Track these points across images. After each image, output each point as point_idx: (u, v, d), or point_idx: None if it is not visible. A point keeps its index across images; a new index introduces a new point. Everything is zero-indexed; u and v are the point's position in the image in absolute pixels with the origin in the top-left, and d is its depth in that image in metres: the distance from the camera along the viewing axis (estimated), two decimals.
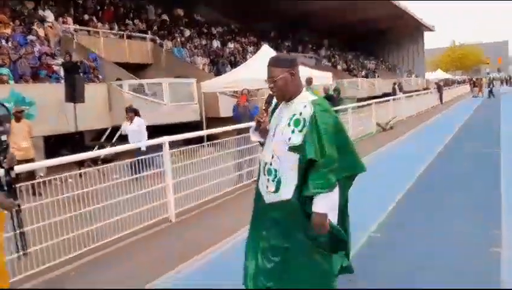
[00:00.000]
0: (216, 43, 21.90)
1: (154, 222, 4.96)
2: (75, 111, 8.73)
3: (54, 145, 9.28)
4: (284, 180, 2.40)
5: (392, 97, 17.55)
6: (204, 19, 25.34)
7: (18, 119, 7.47)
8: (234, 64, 18.39)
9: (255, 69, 11.85)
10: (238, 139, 6.96)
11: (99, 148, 8.81)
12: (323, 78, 12.34)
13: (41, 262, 3.86)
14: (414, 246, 4.05)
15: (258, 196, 2.61)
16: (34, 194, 4.57)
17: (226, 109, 11.72)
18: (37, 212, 3.98)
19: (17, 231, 3.18)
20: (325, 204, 2.33)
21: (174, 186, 5.24)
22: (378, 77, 33.77)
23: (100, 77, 11.69)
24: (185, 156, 5.72)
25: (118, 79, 11.23)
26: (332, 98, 10.71)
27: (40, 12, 12.90)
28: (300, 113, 2.37)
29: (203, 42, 20.98)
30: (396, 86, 22.53)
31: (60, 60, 10.93)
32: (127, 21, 18.46)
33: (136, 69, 15.57)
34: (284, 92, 2.45)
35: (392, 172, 7.50)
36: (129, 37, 16.12)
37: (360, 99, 18.64)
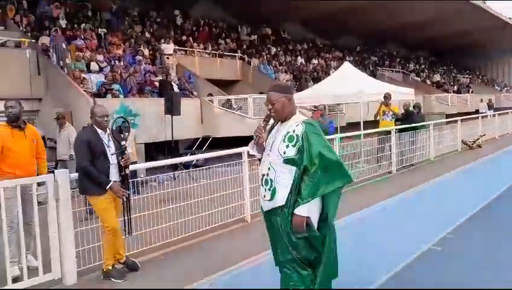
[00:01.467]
0: (300, 60, 22.64)
1: (233, 221, 5.72)
2: (171, 122, 9.99)
3: (153, 151, 10.65)
4: (278, 188, 2.78)
5: (480, 114, 16.64)
6: (291, 36, 26.29)
7: (127, 131, 8.82)
8: (317, 80, 18.92)
9: (334, 85, 12.28)
10: None
11: (191, 155, 9.96)
12: (403, 94, 12.30)
13: (141, 244, 4.77)
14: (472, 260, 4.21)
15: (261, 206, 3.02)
16: (134, 192, 5.62)
17: None
18: (139, 205, 4.93)
19: (126, 217, 4.12)
20: (306, 209, 2.72)
21: (251, 190, 5.95)
22: (472, 92, 31.71)
23: (194, 92, 13.05)
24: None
25: (210, 94, 12.47)
26: (412, 115, 10.69)
27: (163, 46, 14.85)
28: (294, 131, 2.78)
29: (288, 59, 21.85)
30: (484, 103, 21.20)
31: (159, 78, 12.47)
32: (219, 41, 20.09)
33: (226, 85, 16.90)
34: (281, 113, 2.87)
35: (466, 190, 7.45)
36: (221, 55, 17.57)
37: (449, 116, 17.94)
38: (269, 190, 2.83)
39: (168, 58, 14.26)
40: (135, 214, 4.75)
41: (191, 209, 5.35)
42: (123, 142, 3.94)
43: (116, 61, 12.80)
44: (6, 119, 4.41)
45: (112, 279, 4.03)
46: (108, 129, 4.06)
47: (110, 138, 4.04)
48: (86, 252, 4.26)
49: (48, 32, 12.79)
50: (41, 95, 11.31)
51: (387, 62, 31.84)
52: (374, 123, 10.67)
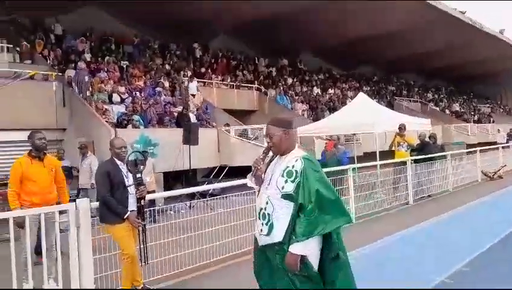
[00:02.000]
0: (316, 90, 22.94)
1: (249, 250, 5.78)
2: (189, 152, 10.24)
3: (171, 180, 10.87)
4: (276, 224, 2.73)
5: (500, 145, 16.42)
6: (307, 67, 26.77)
7: (145, 159, 9.10)
8: (333, 110, 19.10)
9: (349, 115, 12.43)
10: None
11: (208, 184, 10.13)
12: (419, 125, 12.33)
13: (157, 272, 4.88)
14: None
15: (255, 239, 2.95)
16: (152, 221, 5.78)
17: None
18: (156, 233, 5.07)
19: (142, 246, 4.26)
20: (301, 248, 2.64)
21: None
22: (493, 121, 31.32)
23: (213, 123, 13.37)
24: None
25: (226, 124, 12.76)
26: (428, 145, 10.68)
27: (190, 85, 15.34)
28: (293, 166, 2.74)
29: (304, 89, 22.18)
30: (503, 133, 20.92)
31: (179, 108, 12.85)
32: (237, 72, 20.63)
33: (243, 115, 17.23)
34: (278, 147, 2.85)
35: (485, 221, 7.35)
36: (238, 86, 18.02)
37: (470, 146, 17.77)
38: (266, 224, 2.77)
39: (193, 96, 14.66)
40: (152, 242, 4.89)
41: (207, 238, 5.45)
42: (138, 175, 4.13)
43: (137, 93, 13.27)
44: (33, 148, 4.72)
45: None
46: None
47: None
48: (104, 278, 4.39)
49: (73, 65, 13.41)
50: (65, 125, 11.78)
51: (405, 92, 31.89)
52: (391, 153, 10.69)
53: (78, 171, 9.79)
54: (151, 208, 5.93)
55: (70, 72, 12.73)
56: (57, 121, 11.63)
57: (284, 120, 2.97)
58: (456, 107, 33.38)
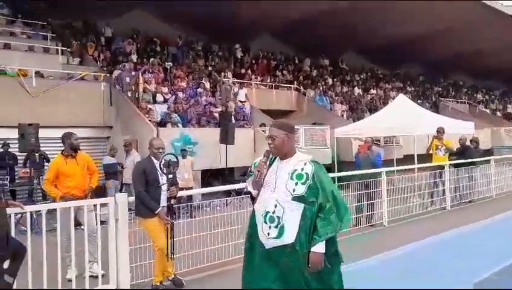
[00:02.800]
0: (357, 90, 22.66)
1: None
2: (226, 151, 10.57)
3: (209, 177, 11.27)
4: (287, 226, 2.81)
5: None
6: (349, 67, 26.46)
7: (184, 156, 9.53)
8: (374, 111, 18.81)
9: (387, 118, 12.29)
10: (358, 184, 7.63)
11: (243, 182, 10.42)
12: (462, 128, 11.96)
13: (189, 264, 5.18)
14: None
15: (253, 245, 2.99)
16: (190, 216, 6.14)
17: None
18: (192, 227, 5.38)
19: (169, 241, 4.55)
20: (323, 246, 2.79)
21: None
22: None
23: (250, 123, 13.66)
24: None
25: (262, 124, 12.99)
26: (468, 149, 10.38)
27: (240, 92, 15.54)
28: (302, 169, 2.87)
29: (345, 89, 21.98)
30: None
31: (219, 109, 13.24)
32: (277, 72, 20.81)
33: (281, 116, 17.34)
34: (280, 149, 2.95)
35: None
36: (276, 87, 18.19)
37: None
38: (276, 227, 2.83)
39: (242, 102, 14.94)
40: (188, 235, 5.20)
41: (239, 234, 5.69)
42: (170, 176, 4.45)
43: (180, 93, 13.80)
44: (69, 148, 5.24)
45: None
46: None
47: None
48: (139, 267, 4.76)
49: (120, 66, 14.15)
50: (112, 123, 12.48)
51: (453, 93, 30.69)
52: (429, 157, 10.49)
53: (122, 167, 10.41)
54: (189, 203, 6.32)
55: (117, 73, 13.45)
56: (104, 120, 12.34)
57: (287, 124, 3.09)
58: (509, 109, 31.67)
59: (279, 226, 2.82)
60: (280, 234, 2.82)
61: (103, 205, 4.62)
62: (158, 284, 4.54)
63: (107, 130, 12.62)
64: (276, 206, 2.86)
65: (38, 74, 12.03)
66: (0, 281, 3.56)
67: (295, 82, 19.85)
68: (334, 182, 8.03)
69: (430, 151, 10.04)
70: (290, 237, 2.81)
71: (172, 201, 4.45)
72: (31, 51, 13.56)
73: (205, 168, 11.31)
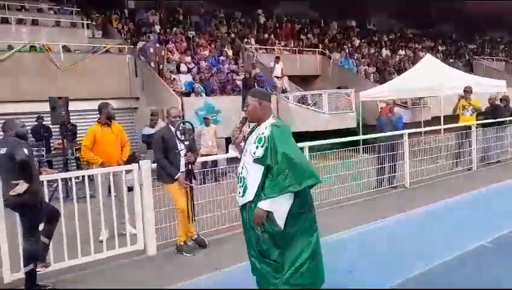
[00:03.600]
0: (385, 52, 22.00)
1: None
2: None
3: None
4: (249, 185, 3.04)
5: None
6: (377, 27, 25.59)
7: (207, 124, 9.74)
8: (402, 72, 18.27)
9: (413, 78, 11.99)
10: (380, 146, 7.63)
11: None
12: (493, 86, 11.53)
13: (211, 225, 5.46)
14: None
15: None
16: (215, 180, 6.41)
17: None
18: (216, 191, 5.62)
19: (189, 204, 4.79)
20: (268, 204, 2.92)
21: None
22: None
23: (272, 89, 13.63)
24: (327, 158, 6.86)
25: (284, 90, 12.96)
26: (498, 108, 10.05)
27: (276, 66, 14.85)
28: (262, 133, 3.04)
29: (372, 51, 21.38)
30: None
31: (241, 76, 13.26)
32: (301, 36, 20.45)
33: (306, 81, 17.24)
34: (252, 115, 3.15)
35: None
36: (300, 52, 17.92)
37: None
38: (242, 186, 3.09)
39: (278, 78, 14.58)
40: (211, 198, 5.45)
41: None
42: (186, 143, 4.64)
43: (202, 62, 13.88)
44: (105, 117, 5.49)
45: (184, 253, 4.77)
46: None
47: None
48: (164, 229, 5.07)
49: (144, 37, 14.32)
50: (138, 95, 12.81)
51: (488, 50, 29.23)
52: (455, 118, 10.25)
53: (148, 137, 10.74)
54: (214, 168, 6.58)
55: (141, 44, 13.64)
56: (131, 91, 12.67)
57: (260, 92, 3.30)
58: None
59: (243, 185, 3.07)
60: (244, 193, 3.07)
61: (128, 171, 4.89)
62: (182, 244, 4.83)
63: (134, 101, 12.97)
64: (243, 168, 3.11)
65: (65, 48, 12.39)
66: (38, 241, 3.93)
67: (320, 45, 19.48)
68: (357, 145, 8.22)
69: (457, 112, 9.80)
70: (250, 195, 3.04)
71: (190, 166, 4.65)
72: (57, 26, 13.92)
73: (229, 136, 11.50)
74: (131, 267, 4.58)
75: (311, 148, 6.47)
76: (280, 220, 3.00)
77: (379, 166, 7.71)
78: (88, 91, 11.48)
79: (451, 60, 23.96)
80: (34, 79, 11.10)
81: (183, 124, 4.79)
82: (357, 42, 21.73)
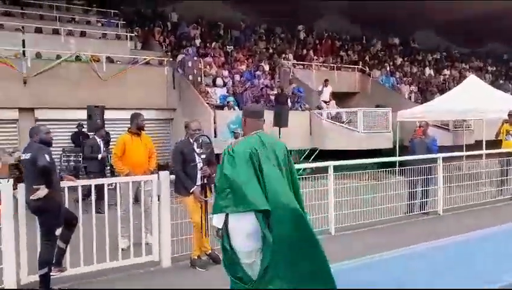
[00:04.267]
0: (428, 71, 21.32)
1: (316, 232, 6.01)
2: (279, 133, 10.62)
3: None
4: None
5: None
6: (421, 46, 24.91)
7: (236, 137, 9.76)
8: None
9: (455, 100, 11.50)
10: (412, 170, 7.30)
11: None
12: None
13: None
14: None
15: None
16: None
17: None
18: None
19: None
20: (215, 221, 2.97)
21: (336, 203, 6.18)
22: None
23: (306, 105, 13.52)
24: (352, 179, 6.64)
25: (318, 107, 12.80)
26: None
27: (324, 90, 14.67)
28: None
29: (414, 70, 20.79)
30: None
31: (275, 91, 13.26)
32: (341, 53, 20.24)
33: (343, 98, 16.95)
34: (243, 131, 3.33)
35: None
36: (339, 68, 17.70)
37: None
38: None
39: (327, 103, 14.33)
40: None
41: None
42: (203, 156, 4.64)
43: (237, 76, 14.03)
44: (135, 127, 5.63)
45: (197, 267, 4.74)
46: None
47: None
48: (180, 241, 5.06)
49: (184, 50, 14.68)
50: (175, 106, 13.09)
51: None
52: (498, 143, 9.69)
53: None
54: None
55: (180, 57, 13.99)
56: (168, 102, 12.99)
57: (247, 109, 3.42)
58: None
59: None
60: None
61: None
62: (196, 258, 4.80)
63: (171, 112, 13.26)
64: None
65: (109, 59, 12.93)
66: (54, 245, 4.03)
67: (360, 62, 19.18)
68: (393, 166, 7.92)
69: (500, 137, 9.26)
70: None
71: (205, 180, 4.63)
72: (103, 38, 14.57)
73: None
74: (144, 277, 4.59)
75: (339, 168, 6.33)
76: (237, 238, 2.91)
77: (410, 190, 7.38)
78: (127, 101, 11.84)
79: (501, 82, 22.85)
80: (77, 87, 11.62)
81: (201, 137, 4.80)
82: (399, 60, 21.21)
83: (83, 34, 14.30)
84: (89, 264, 4.50)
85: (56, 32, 13.82)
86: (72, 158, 10.75)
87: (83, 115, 10.34)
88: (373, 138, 12.18)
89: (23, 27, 13.55)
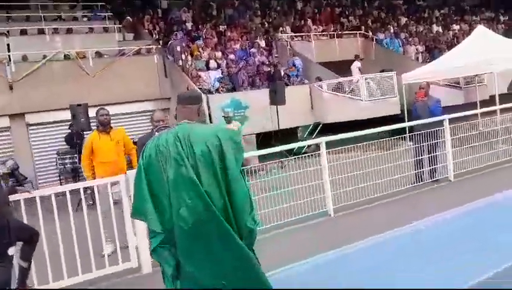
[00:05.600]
0: (436, 28, 20.19)
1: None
2: (277, 112, 10.06)
3: (263, 140, 10.91)
4: None
5: None
6: (427, 2, 23.62)
7: (229, 122, 9.24)
8: None
9: (463, 55, 10.67)
10: (417, 136, 6.71)
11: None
12: None
13: None
14: None
15: None
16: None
17: None
18: None
19: None
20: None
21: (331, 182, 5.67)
22: None
23: (302, 79, 12.83)
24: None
25: (317, 79, 12.12)
26: None
27: (354, 64, 14.43)
28: None
29: (420, 29, 19.69)
30: None
31: (270, 68, 12.62)
32: (342, 20, 19.29)
33: (346, 66, 16.13)
34: None
35: None
36: (339, 36, 16.83)
37: None
38: None
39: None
40: None
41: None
42: None
43: (231, 56, 13.41)
44: (98, 124, 5.20)
45: None
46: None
47: None
48: None
49: (175, 36, 14.09)
50: (169, 95, 12.60)
51: None
52: None
53: None
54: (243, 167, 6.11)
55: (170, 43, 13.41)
56: (161, 91, 12.51)
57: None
58: None
59: None
60: None
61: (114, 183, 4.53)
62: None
63: (166, 101, 12.78)
64: None
65: (98, 54, 12.49)
66: (8, 266, 3.65)
67: (362, 27, 18.23)
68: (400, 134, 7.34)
69: None
70: None
71: None
72: (90, 32, 14.11)
73: (260, 132, 10.96)
74: (122, 287, 4.22)
75: (342, 142, 5.83)
76: None
77: (417, 158, 6.79)
78: (118, 95, 11.43)
79: (494, 33, 21.52)
80: (66, 86, 11.22)
81: (165, 128, 4.32)
82: (403, 20, 20.11)
83: (69, 31, 13.85)
84: (58, 279, 4.14)
85: (42, 32, 13.41)
86: (67, 160, 10.46)
87: None
88: (378, 105, 11.49)
89: (8, 31, 13.19)
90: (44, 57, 11.70)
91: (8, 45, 12.38)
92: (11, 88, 10.90)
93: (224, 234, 2.44)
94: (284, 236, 5.09)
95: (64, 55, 12.06)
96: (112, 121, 10.92)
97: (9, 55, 11.72)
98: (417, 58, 16.35)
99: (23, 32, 13.36)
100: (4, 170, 9.60)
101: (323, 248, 4.41)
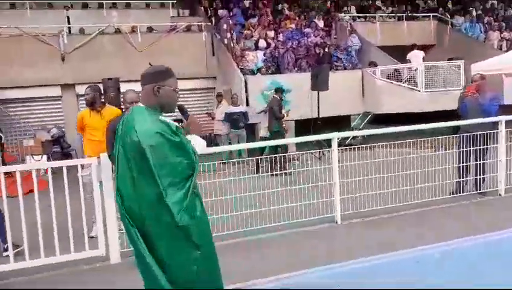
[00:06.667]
0: None
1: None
2: (318, 98, 9.22)
3: (302, 127, 10.14)
4: None
5: None
6: None
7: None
8: None
9: None
10: (462, 138, 5.62)
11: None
12: None
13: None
14: None
15: None
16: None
17: None
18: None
19: None
20: None
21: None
22: None
23: (356, 63, 11.69)
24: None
25: (371, 64, 10.96)
26: None
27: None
28: None
29: (509, 13, 17.16)
30: None
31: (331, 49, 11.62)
32: (417, 1, 17.46)
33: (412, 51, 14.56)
34: None
35: None
36: (409, 18, 15.19)
37: None
38: None
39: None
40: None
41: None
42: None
43: (280, 36, 12.67)
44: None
45: None
46: None
47: None
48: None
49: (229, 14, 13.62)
50: (215, 74, 12.30)
51: None
52: None
53: (212, 118, 10.18)
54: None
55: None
56: (208, 70, 12.23)
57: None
58: None
59: None
60: None
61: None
62: None
63: (212, 80, 12.52)
64: None
65: (149, 29, 12.49)
66: None
67: (440, 10, 16.31)
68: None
69: None
70: None
71: None
72: (147, 7, 14.19)
73: (300, 118, 10.22)
74: (89, 275, 3.98)
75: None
76: None
77: (461, 164, 5.71)
78: None
79: None
80: (115, 60, 11.38)
81: None
82: (490, 3, 17.67)
83: (127, 5, 14.04)
84: (20, 260, 3.98)
85: (101, 6, 13.74)
86: None
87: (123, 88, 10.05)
88: (437, 97, 10.09)
89: (71, 5, 13.69)
90: (100, 30, 11.95)
91: (68, 17, 12.88)
92: (63, 59, 11.30)
93: None
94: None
95: (115, 29, 12.23)
96: None
97: (69, 28, 12.18)
98: (500, 47, 14.24)
99: (85, 6, 13.80)
100: (48, 137, 10.00)
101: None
